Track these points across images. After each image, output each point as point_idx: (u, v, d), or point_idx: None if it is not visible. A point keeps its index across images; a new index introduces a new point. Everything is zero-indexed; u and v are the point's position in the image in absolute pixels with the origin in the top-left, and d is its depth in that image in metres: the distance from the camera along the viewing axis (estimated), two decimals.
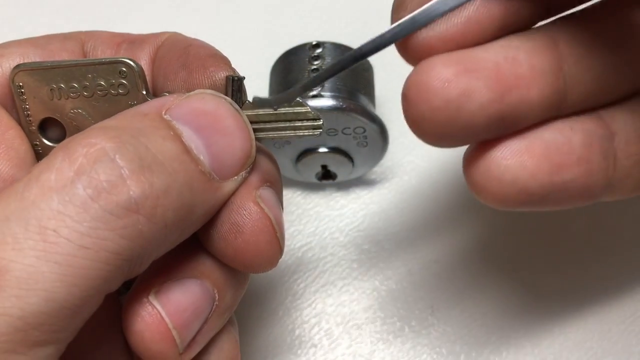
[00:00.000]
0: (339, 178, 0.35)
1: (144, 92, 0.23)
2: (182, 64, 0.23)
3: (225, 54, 0.24)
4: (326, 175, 0.35)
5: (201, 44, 0.24)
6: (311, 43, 0.33)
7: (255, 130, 0.23)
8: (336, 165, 0.34)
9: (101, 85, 0.23)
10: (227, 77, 0.23)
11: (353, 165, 0.33)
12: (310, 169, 0.34)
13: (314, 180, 0.35)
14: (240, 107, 0.23)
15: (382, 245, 0.35)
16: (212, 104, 0.21)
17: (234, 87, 0.23)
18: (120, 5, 0.43)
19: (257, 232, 0.22)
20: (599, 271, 0.34)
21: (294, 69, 0.33)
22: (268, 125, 0.23)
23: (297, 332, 0.32)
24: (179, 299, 0.22)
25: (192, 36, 0.26)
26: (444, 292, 0.33)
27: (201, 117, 0.21)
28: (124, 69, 0.23)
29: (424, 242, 0.35)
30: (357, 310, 0.33)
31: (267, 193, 0.23)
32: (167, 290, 0.22)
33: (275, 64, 0.34)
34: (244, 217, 0.22)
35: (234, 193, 0.22)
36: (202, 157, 0.20)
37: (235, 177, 0.22)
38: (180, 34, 0.26)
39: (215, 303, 0.22)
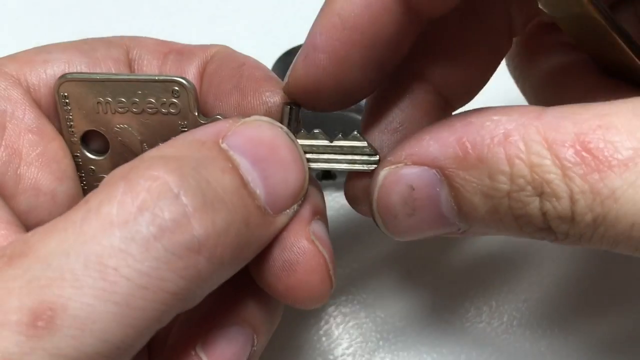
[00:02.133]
0: (339, 178, 0.35)
1: (196, 114, 0.22)
2: (234, 85, 0.23)
3: None
4: (326, 175, 0.35)
5: (255, 64, 0.24)
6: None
7: (308, 160, 0.22)
8: None
9: (151, 102, 0.22)
10: (284, 105, 0.22)
11: None
12: (311, 169, 0.34)
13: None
14: (296, 136, 0.22)
15: (382, 245, 0.35)
16: (269, 134, 0.21)
17: (292, 115, 0.22)
18: (121, 5, 0.43)
19: (310, 272, 0.21)
20: (600, 270, 0.34)
21: None
22: (322, 157, 0.22)
23: (297, 332, 0.32)
24: (224, 350, 0.22)
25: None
26: (444, 292, 0.33)
27: (258, 147, 0.20)
28: (177, 88, 0.22)
29: (424, 242, 0.34)
30: (357, 310, 0.33)
31: (319, 228, 0.22)
32: (213, 341, 0.22)
33: (275, 64, 0.35)
34: (298, 255, 0.21)
35: (285, 227, 0.21)
36: (258, 191, 0.20)
37: (287, 211, 0.21)
38: (229, 48, 0.25)
39: (253, 348, 0.23)
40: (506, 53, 0.26)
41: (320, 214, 0.23)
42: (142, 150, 0.23)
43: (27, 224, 0.22)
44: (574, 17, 0.20)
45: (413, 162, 0.19)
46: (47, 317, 0.16)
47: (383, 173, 0.20)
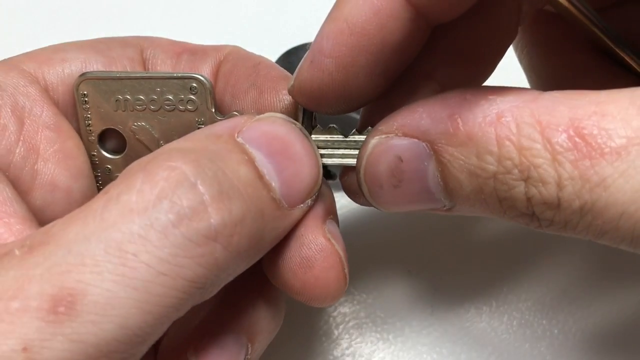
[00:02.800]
0: (339, 178, 0.35)
1: (213, 110, 0.23)
2: (251, 83, 0.23)
3: None
4: (326, 175, 0.34)
5: (270, 64, 0.24)
6: (311, 43, 0.33)
7: (323, 156, 0.23)
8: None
9: (169, 99, 0.23)
10: (303, 109, 0.23)
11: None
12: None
13: None
14: (311, 132, 0.22)
15: (382, 245, 0.35)
16: (283, 129, 0.21)
17: (306, 112, 0.23)
18: (120, 4, 0.43)
19: (327, 268, 0.22)
20: (601, 269, 0.34)
21: (294, 69, 0.33)
22: (337, 152, 0.23)
23: (296, 332, 0.32)
24: (216, 358, 0.22)
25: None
26: (444, 292, 0.33)
27: (272, 141, 0.20)
28: (195, 85, 0.23)
29: (424, 242, 0.35)
30: (357, 310, 0.33)
31: (333, 227, 0.23)
32: (206, 348, 0.22)
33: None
34: (316, 252, 0.22)
35: (300, 223, 0.22)
36: (273, 184, 0.20)
37: (301, 205, 0.21)
38: (241, 49, 0.25)
39: (247, 357, 0.23)
40: (511, 43, 0.26)
41: (333, 213, 0.23)
42: (160, 145, 0.24)
43: (41, 220, 0.22)
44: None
45: (404, 134, 0.19)
46: (68, 303, 0.16)
47: (373, 142, 0.20)
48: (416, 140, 0.19)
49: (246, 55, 0.25)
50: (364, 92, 0.22)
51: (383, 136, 0.20)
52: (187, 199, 0.17)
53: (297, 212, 0.21)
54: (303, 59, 0.22)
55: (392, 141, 0.20)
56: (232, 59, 0.25)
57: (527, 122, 0.17)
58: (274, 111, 0.22)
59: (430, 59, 0.23)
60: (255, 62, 0.24)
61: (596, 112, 0.16)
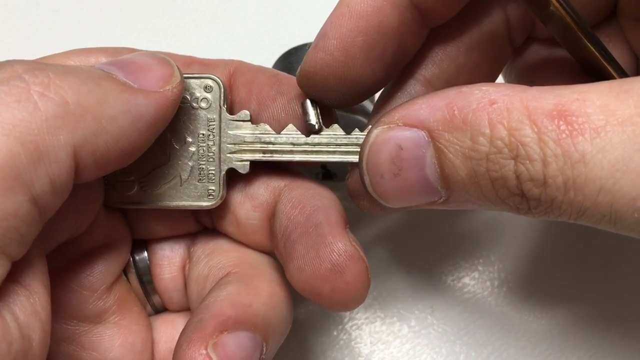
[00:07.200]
0: (339, 178, 0.35)
1: (225, 107, 0.25)
2: (277, 91, 0.25)
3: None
4: (326, 175, 0.34)
5: (287, 74, 0.26)
6: (311, 43, 0.33)
7: (329, 152, 0.24)
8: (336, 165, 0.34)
9: (186, 98, 0.24)
10: (309, 101, 0.24)
11: None
12: (310, 169, 0.34)
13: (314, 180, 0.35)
14: (321, 124, 0.24)
15: (382, 245, 0.35)
16: (143, 58, 0.23)
17: (312, 103, 0.24)
18: (120, 4, 0.43)
19: (356, 274, 0.23)
20: (600, 271, 0.34)
21: (294, 69, 0.33)
22: (339, 149, 0.24)
23: (296, 332, 0.32)
24: (235, 354, 0.22)
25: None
26: (444, 292, 0.33)
27: (129, 64, 0.22)
28: (211, 84, 0.25)
29: (424, 243, 0.35)
30: (357, 310, 0.33)
31: (352, 235, 0.24)
32: (224, 344, 0.22)
33: (275, 64, 0.35)
34: (346, 259, 0.23)
35: (327, 231, 0.23)
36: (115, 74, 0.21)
37: (162, 89, 0.22)
38: (246, 62, 0.27)
39: (262, 356, 0.23)
40: (506, 62, 0.27)
41: (348, 222, 0.24)
42: (169, 141, 0.25)
43: None
44: (549, 17, 0.22)
45: (404, 123, 0.21)
46: None
47: (375, 132, 0.21)
48: (415, 129, 0.20)
49: (260, 68, 0.26)
50: (363, 77, 0.23)
51: (385, 126, 0.21)
52: None
53: (159, 95, 0.22)
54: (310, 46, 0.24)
55: (393, 131, 0.21)
56: (247, 71, 0.26)
57: (516, 107, 0.19)
58: (300, 115, 0.25)
59: (427, 66, 0.25)
60: (274, 73, 0.26)
61: (578, 99, 0.18)
